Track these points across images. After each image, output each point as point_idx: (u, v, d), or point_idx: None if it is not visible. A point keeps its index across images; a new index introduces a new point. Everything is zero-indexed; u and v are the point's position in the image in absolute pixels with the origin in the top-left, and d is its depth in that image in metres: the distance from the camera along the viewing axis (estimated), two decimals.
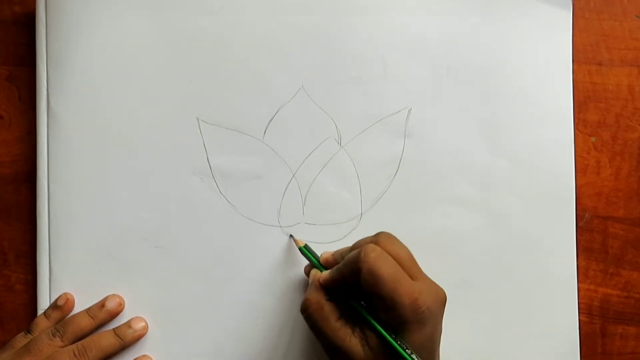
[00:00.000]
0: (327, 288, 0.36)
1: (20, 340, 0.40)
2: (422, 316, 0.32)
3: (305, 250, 0.39)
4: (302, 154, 0.42)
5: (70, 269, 0.41)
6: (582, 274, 0.42)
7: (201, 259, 0.41)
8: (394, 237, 0.36)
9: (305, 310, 0.36)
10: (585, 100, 0.42)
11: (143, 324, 0.41)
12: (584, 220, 0.42)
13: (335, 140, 0.42)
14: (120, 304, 0.41)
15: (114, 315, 0.41)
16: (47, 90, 0.42)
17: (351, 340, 0.34)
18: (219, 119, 0.42)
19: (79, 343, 0.39)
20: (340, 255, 0.37)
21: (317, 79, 0.42)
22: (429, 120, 0.42)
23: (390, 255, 0.34)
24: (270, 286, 0.41)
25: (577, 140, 0.42)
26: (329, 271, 0.36)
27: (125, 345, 0.40)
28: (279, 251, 0.41)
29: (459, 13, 0.42)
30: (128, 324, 0.40)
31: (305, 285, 0.41)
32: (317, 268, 0.38)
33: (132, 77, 0.42)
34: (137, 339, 0.41)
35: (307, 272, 0.40)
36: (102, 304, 0.41)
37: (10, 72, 0.43)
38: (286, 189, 0.42)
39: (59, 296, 0.41)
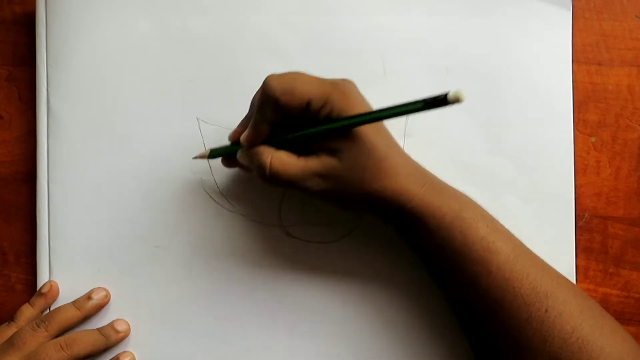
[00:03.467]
0: (259, 143, 0.35)
1: (4, 330, 0.39)
2: (347, 92, 0.34)
3: (215, 152, 0.39)
4: None
5: (70, 269, 0.41)
6: (582, 273, 0.42)
7: (201, 259, 0.41)
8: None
9: (270, 172, 0.34)
10: (585, 100, 0.42)
11: (126, 327, 0.41)
12: (584, 220, 0.42)
13: None
14: (107, 296, 0.41)
15: (100, 307, 0.41)
16: (47, 90, 0.42)
17: (321, 160, 0.34)
18: (219, 119, 0.42)
19: (65, 336, 0.39)
20: (246, 119, 0.37)
21: None
22: (429, 120, 0.42)
23: (286, 76, 0.34)
24: (270, 286, 0.41)
25: (577, 140, 0.42)
26: (246, 130, 0.35)
27: (110, 345, 0.40)
28: (279, 251, 0.41)
29: (459, 13, 0.42)
30: (111, 325, 0.41)
31: (305, 285, 0.41)
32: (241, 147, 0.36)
33: (132, 77, 0.42)
34: (120, 340, 0.41)
35: (226, 164, 0.39)
36: (88, 296, 0.41)
37: (10, 72, 0.43)
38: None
39: (43, 284, 0.41)
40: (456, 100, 0.28)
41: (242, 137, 0.36)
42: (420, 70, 0.42)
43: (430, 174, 0.37)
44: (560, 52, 0.42)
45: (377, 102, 0.42)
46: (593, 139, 0.42)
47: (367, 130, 0.34)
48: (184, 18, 0.42)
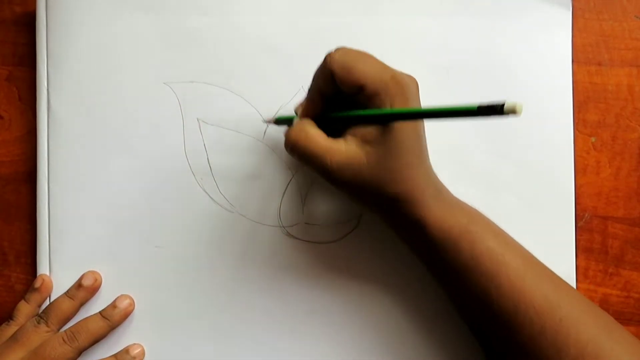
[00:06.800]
0: (312, 117, 0.35)
1: (4, 329, 0.40)
2: (405, 87, 0.32)
3: (279, 120, 0.39)
4: None
5: (70, 269, 0.41)
6: (582, 274, 0.42)
7: (201, 259, 0.41)
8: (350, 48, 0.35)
9: (289, 142, 0.34)
10: (585, 100, 0.42)
11: (128, 300, 0.41)
12: (584, 220, 0.42)
13: None
14: (97, 280, 0.41)
15: (92, 291, 0.41)
16: (47, 90, 0.42)
17: (348, 146, 0.33)
18: (219, 119, 0.42)
19: (68, 329, 0.39)
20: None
21: None
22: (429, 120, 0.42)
23: (352, 53, 0.34)
24: (270, 286, 0.41)
25: (577, 140, 0.42)
26: (302, 101, 0.35)
27: (114, 326, 0.40)
28: (279, 251, 0.41)
29: (459, 13, 0.42)
30: (113, 304, 0.41)
31: (305, 285, 0.41)
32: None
33: (133, 78, 0.42)
34: (124, 317, 0.41)
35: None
36: (78, 284, 0.41)
37: (10, 72, 0.43)
38: (286, 189, 0.42)
39: (36, 278, 0.41)
40: (512, 112, 0.26)
41: (296, 106, 0.35)
42: (420, 70, 0.42)
43: (445, 187, 0.36)
44: (560, 52, 0.42)
45: None
46: (593, 139, 0.42)
47: (405, 132, 0.32)
48: (185, 18, 0.42)
